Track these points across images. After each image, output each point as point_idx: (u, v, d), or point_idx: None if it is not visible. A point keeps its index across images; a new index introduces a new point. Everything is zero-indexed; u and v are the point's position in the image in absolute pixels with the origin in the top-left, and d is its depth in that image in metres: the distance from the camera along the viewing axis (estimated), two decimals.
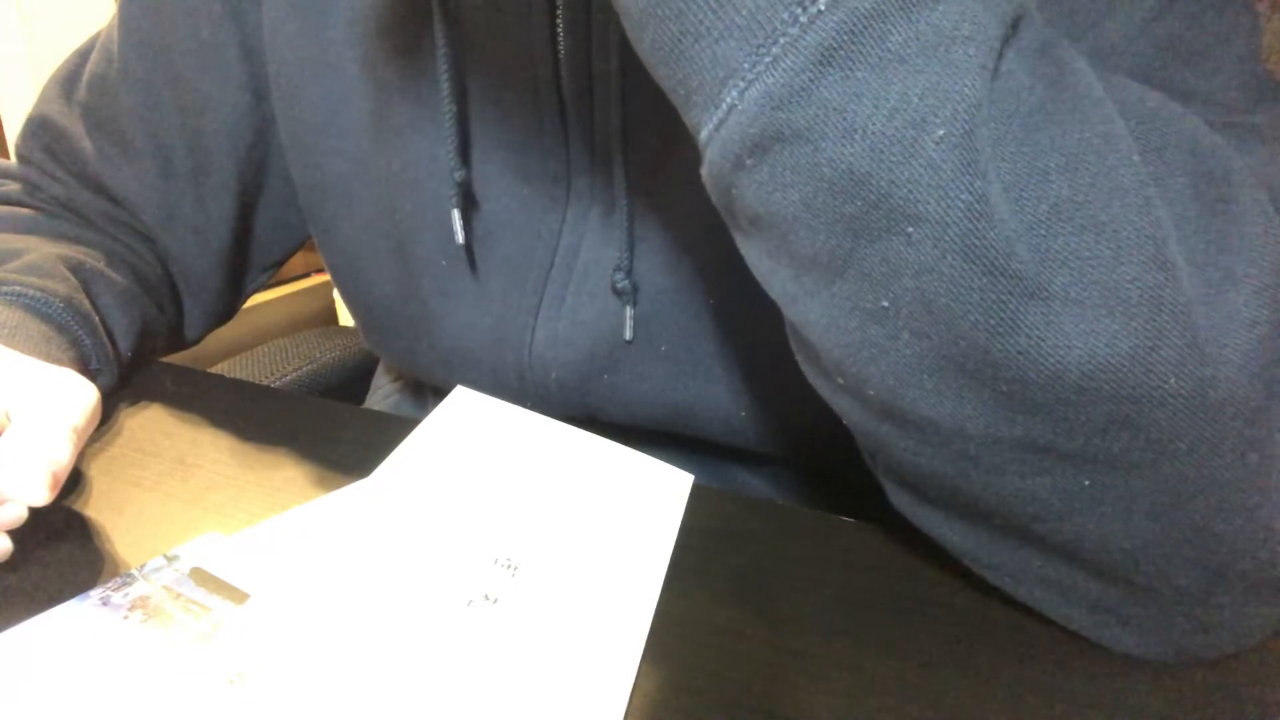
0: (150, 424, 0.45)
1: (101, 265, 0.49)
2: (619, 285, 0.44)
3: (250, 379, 0.76)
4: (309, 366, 0.79)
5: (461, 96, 0.44)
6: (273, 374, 0.77)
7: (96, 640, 0.30)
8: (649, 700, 0.29)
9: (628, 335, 0.44)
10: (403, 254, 0.49)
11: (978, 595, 0.34)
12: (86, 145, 0.52)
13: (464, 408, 0.43)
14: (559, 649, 0.30)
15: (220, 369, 0.78)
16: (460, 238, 0.45)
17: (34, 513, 0.37)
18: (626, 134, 0.41)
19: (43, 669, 0.28)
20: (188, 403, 0.47)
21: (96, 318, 0.46)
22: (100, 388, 0.41)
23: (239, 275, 0.58)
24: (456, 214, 0.45)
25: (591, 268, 0.45)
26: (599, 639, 0.31)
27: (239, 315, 0.62)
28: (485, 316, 0.48)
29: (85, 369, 0.44)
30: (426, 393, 0.62)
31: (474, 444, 0.41)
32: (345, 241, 0.52)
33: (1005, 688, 0.30)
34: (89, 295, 0.47)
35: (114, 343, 0.48)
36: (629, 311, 0.44)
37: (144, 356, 0.52)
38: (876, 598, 0.34)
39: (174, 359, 0.55)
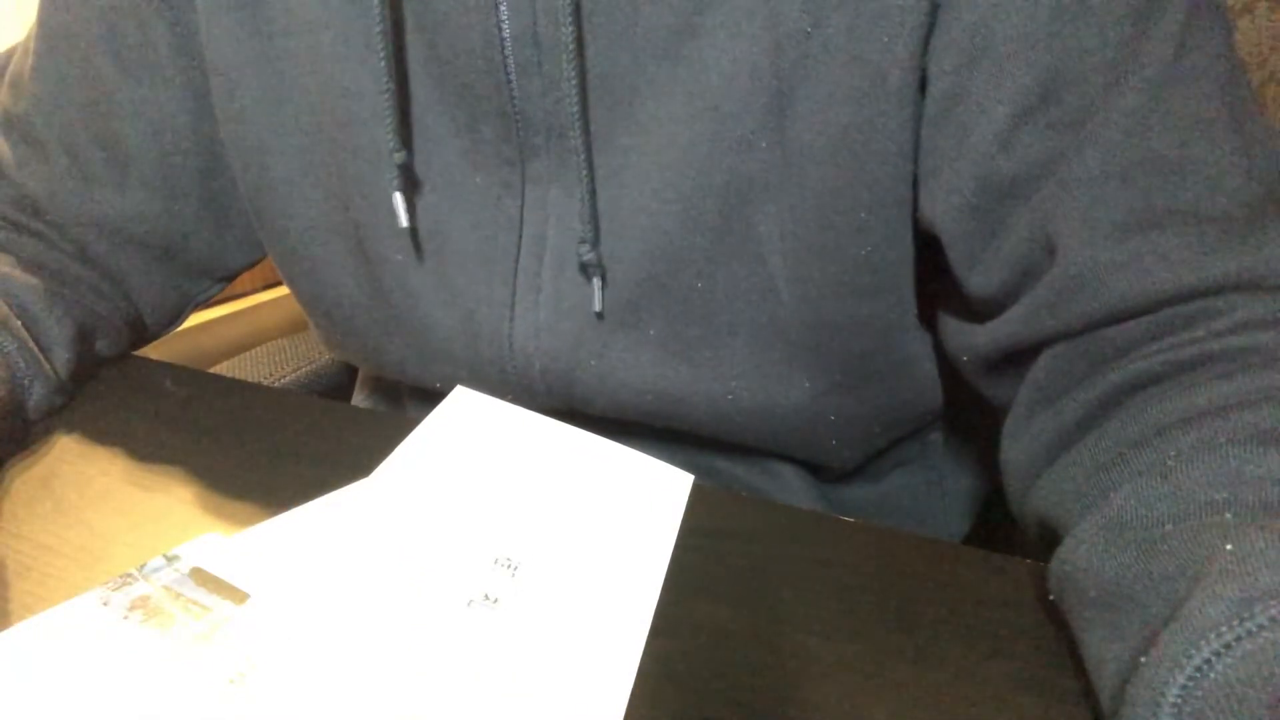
0: (150, 424, 0.45)
1: (6, 267, 0.46)
2: (585, 258, 0.43)
3: (250, 379, 0.76)
4: (308, 366, 0.79)
5: (402, 81, 0.43)
6: (272, 374, 0.77)
7: (96, 640, 0.30)
8: (649, 700, 0.29)
9: (596, 307, 0.44)
10: (361, 250, 0.48)
11: (977, 596, 0.34)
12: (1, 143, 0.49)
13: (464, 408, 0.43)
14: (559, 649, 0.30)
15: (220, 369, 0.78)
16: (404, 221, 0.44)
17: (34, 514, 0.37)
18: (586, 109, 0.40)
19: (43, 669, 0.28)
20: (187, 403, 0.47)
21: (17, 321, 0.43)
22: (37, 395, 0.40)
23: (181, 280, 0.54)
24: (398, 197, 0.43)
25: (566, 252, 0.44)
26: (599, 639, 0.31)
27: (239, 315, 0.62)
28: (453, 311, 0.47)
29: (13, 379, 0.42)
30: (404, 398, 0.61)
31: (474, 444, 0.41)
32: (297, 242, 0.50)
33: (1004, 687, 0.30)
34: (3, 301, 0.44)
35: (43, 348, 0.44)
36: (597, 284, 0.43)
37: (93, 355, 0.49)
38: (876, 598, 0.34)
39: (174, 359, 0.55)
